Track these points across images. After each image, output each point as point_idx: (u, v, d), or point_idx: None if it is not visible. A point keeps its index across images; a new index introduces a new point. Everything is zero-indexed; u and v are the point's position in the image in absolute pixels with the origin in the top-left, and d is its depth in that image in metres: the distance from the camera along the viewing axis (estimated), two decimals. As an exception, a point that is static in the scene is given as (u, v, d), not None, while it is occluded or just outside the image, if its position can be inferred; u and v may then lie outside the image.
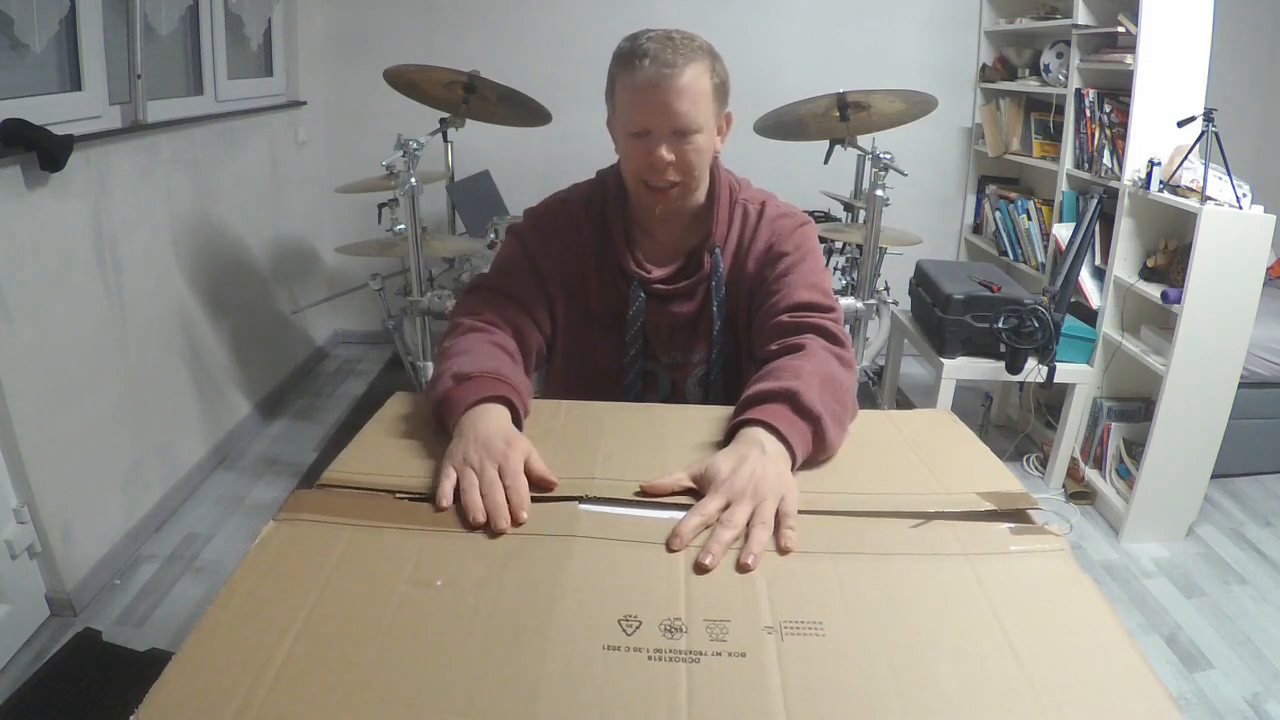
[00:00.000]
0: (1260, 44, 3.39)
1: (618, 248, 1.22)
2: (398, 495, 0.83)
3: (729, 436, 0.94)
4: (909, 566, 0.74)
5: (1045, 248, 3.12)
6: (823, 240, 2.79)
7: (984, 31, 3.53)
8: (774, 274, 1.19)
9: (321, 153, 3.69)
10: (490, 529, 0.77)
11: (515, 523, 0.78)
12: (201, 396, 2.70)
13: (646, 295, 1.22)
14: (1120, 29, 2.58)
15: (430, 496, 0.83)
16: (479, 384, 0.97)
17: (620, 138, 1.17)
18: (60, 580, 2.00)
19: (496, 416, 0.94)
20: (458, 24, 3.54)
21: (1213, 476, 2.48)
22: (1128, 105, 2.51)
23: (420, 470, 0.88)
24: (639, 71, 1.09)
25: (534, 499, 0.82)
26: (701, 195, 1.23)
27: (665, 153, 1.12)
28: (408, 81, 2.50)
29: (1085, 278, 2.72)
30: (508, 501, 0.80)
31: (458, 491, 0.82)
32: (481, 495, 0.80)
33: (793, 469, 0.89)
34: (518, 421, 0.97)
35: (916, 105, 2.44)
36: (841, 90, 2.41)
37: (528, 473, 0.85)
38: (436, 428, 0.97)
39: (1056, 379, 2.49)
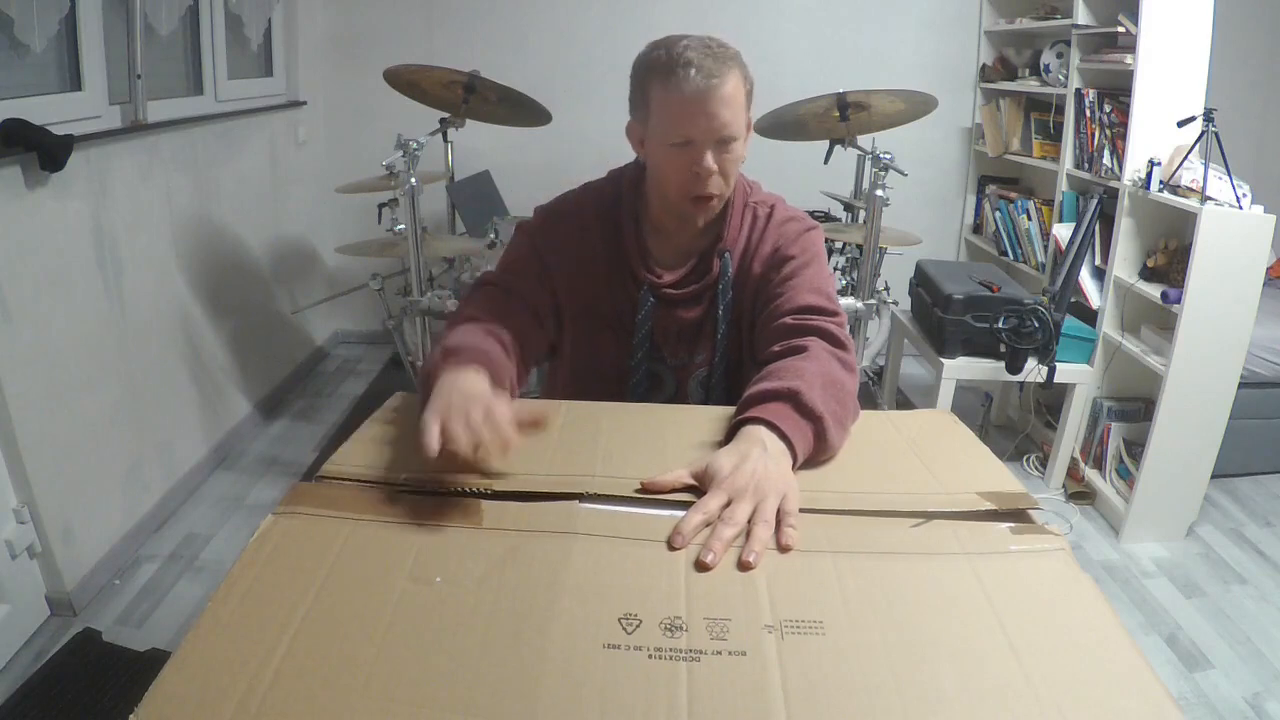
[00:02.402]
0: (1260, 44, 3.40)
1: (629, 251, 1.22)
2: (397, 488, 0.83)
3: (730, 435, 0.94)
4: (909, 566, 0.74)
5: (1045, 248, 3.12)
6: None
7: (984, 31, 3.53)
8: (779, 277, 1.19)
9: (321, 153, 3.69)
10: (481, 466, 0.80)
11: (506, 447, 0.81)
12: (201, 396, 2.70)
13: (655, 299, 1.22)
14: (1120, 29, 2.58)
15: (429, 490, 0.82)
16: (462, 355, 0.98)
17: (657, 148, 1.15)
18: (60, 580, 2.00)
19: (475, 377, 0.94)
20: (458, 24, 3.54)
21: (1213, 476, 2.48)
22: (1128, 105, 2.51)
23: (419, 465, 0.87)
24: (685, 82, 1.07)
25: (533, 496, 0.82)
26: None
27: (710, 163, 1.11)
28: (408, 81, 2.50)
29: (1085, 278, 2.72)
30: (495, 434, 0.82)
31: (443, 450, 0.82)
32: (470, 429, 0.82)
33: (793, 468, 0.89)
34: None
35: (916, 105, 2.44)
36: (841, 90, 2.41)
37: (516, 420, 0.86)
38: (421, 403, 0.97)
39: (1056, 379, 2.49)
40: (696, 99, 1.08)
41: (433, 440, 0.80)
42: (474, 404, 0.85)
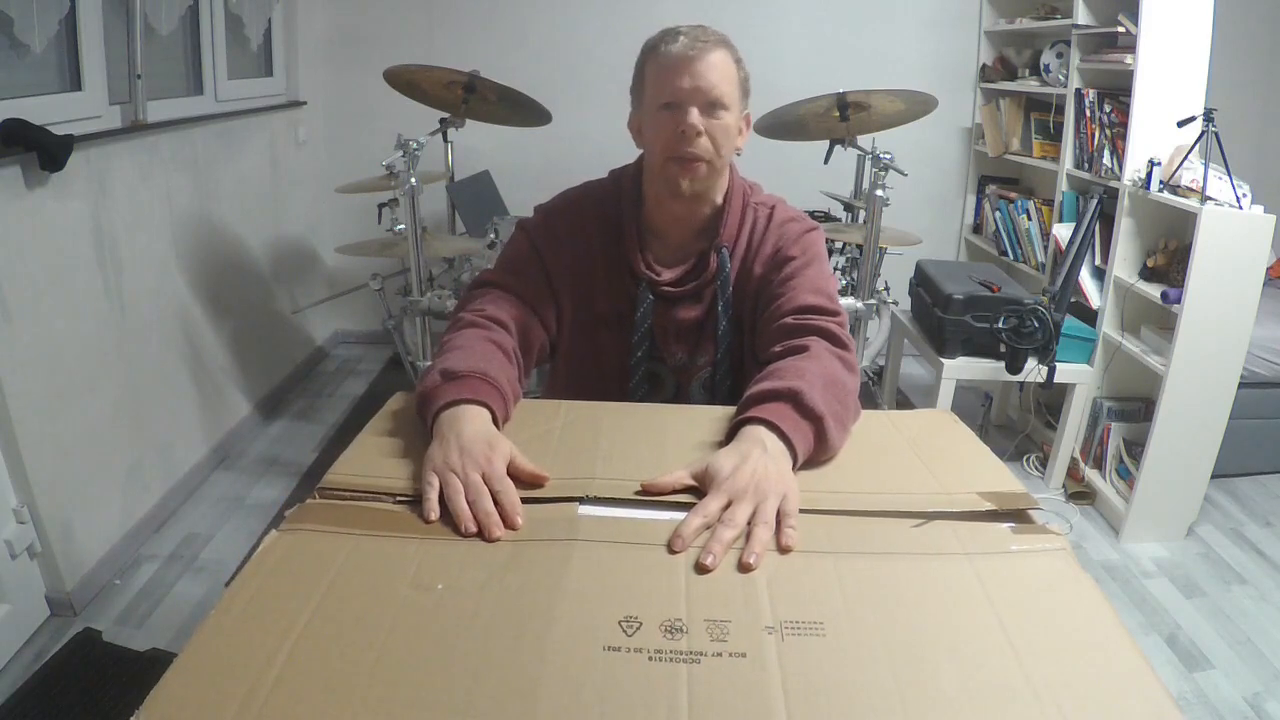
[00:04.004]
0: (1260, 44, 3.40)
1: (629, 249, 1.22)
2: (397, 499, 0.83)
3: (730, 434, 0.94)
4: (910, 566, 0.74)
5: (1045, 248, 3.12)
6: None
7: (984, 31, 3.53)
8: (779, 277, 1.20)
9: (321, 153, 3.69)
10: (484, 536, 0.77)
11: (510, 527, 0.78)
12: (201, 396, 2.70)
13: (654, 297, 1.22)
14: (1120, 29, 2.58)
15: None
16: (462, 384, 0.96)
17: (649, 119, 1.18)
18: (60, 580, 2.00)
19: (476, 418, 0.92)
20: (458, 24, 3.54)
21: (1213, 476, 2.48)
22: (1128, 105, 2.51)
23: (419, 473, 0.87)
24: (672, 46, 1.13)
25: (535, 500, 0.82)
26: (719, 195, 1.23)
27: (696, 119, 1.13)
28: (408, 81, 2.50)
29: (1085, 278, 2.72)
30: (498, 507, 0.79)
31: (444, 500, 0.81)
32: (469, 503, 0.79)
33: (794, 468, 0.89)
34: (497, 425, 0.96)
35: (916, 105, 2.44)
36: (841, 90, 2.41)
37: (516, 473, 0.85)
38: (419, 421, 0.97)
39: (1056, 379, 2.49)
40: (683, 60, 1.13)
41: (432, 512, 0.80)
42: (474, 463, 0.83)
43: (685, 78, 1.13)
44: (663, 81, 1.14)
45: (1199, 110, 2.29)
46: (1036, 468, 2.91)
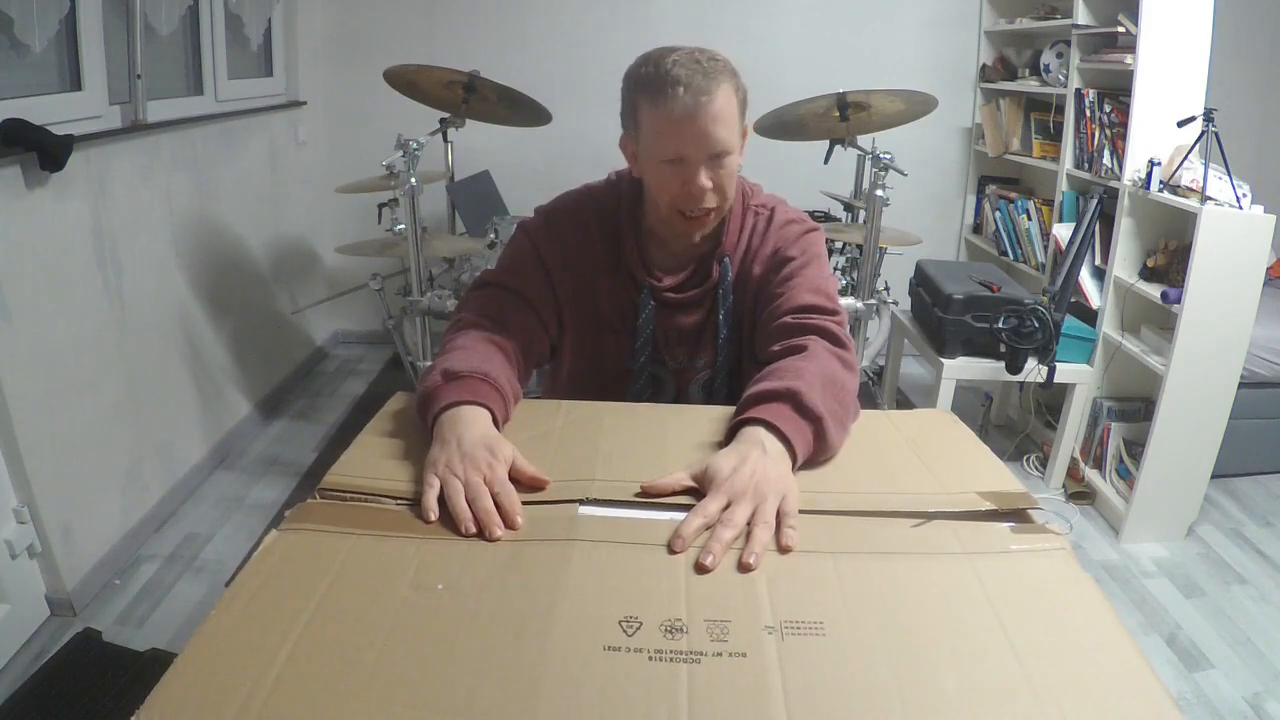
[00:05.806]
0: (1260, 44, 3.39)
1: (629, 254, 1.22)
2: (398, 501, 0.83)
3: (730, 435, 0.94)
4: (910, 566, 0.74)
5: (1045, 248, 3.12)
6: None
7: (984, 31, 3.53)
8: (779, 278, 1.19)
9: (321, 153, 3.69)
10: (485, 536, 0.77)
11: (510, 527, 0.78)
12: (201, 396, 2.70)
13: (655, 302, 1.22)
14: (1120, 29, 2.58)
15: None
16: (464, 385, 0.96)
17: (650, 165, 1.14)
18: (60, 580, 2.00)
19: (477, 421, 0.92)
20: (458, 24, 3.54)
21: (1213, 476, 2.48)
22: (1128, 105, 2.51)
23: (420, 474, 0.87)
24: (674, 100, 1.05)
25: (535, 503, 0.82)
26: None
27: (704, 180, 1.10)
28: (408, 81, 2.50)
29: (1085, 278, 2.72)
30: (499, 508, 0.79)
31: (444, 501, 0.81)
32: (469, 502, 0.79)
33: (793, 469, 0.89)
34: (498, 426, 0.96)
35: (916, 105, 2.44)
36: (841, 90, 2.41)
37: (517, 476, 0.85)
38: (419, 421, 0.97)
39: (1056, 379, 2.49)
40: (686, 117, 1.06)
41: (430, 512, 0.80)
42: (475, 466, 0.83)
43: (691, 136, 1.07)
44: (666, 137, 1.09)
45: (1199, 110, 2.29)
46: (1036, 468, 2.91)
